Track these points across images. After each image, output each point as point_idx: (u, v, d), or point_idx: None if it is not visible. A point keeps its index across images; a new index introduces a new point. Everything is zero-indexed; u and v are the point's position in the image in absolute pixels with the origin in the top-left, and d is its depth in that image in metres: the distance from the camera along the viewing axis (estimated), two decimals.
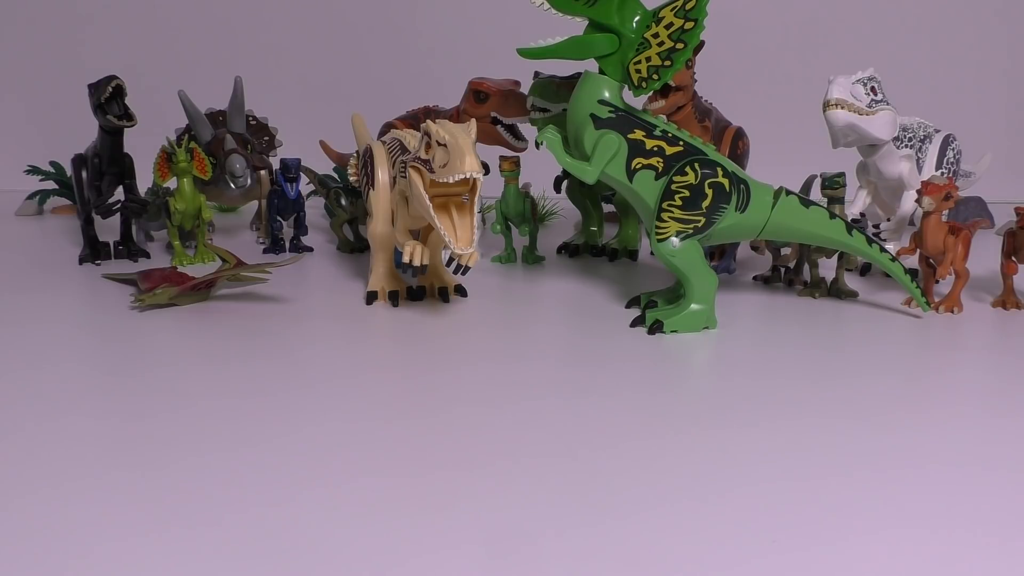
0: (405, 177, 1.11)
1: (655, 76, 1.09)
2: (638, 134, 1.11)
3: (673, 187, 1.10)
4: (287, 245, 1.55)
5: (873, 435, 0.81)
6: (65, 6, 2.24)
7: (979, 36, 2.18)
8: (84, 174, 1.45)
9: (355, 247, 1.53)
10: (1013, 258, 1.21)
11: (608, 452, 0.78)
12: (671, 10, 1.09)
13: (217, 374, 0.96)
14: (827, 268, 1.30)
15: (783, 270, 1.33)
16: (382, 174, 1.22)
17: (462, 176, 1.01)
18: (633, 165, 1.11)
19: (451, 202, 1.07)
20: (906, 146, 1.38)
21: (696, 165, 1.10)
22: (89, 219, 1.46)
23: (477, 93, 1.45)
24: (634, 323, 1.13)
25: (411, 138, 1.17)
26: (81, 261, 1.45)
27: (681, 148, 1.10)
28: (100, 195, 1.46)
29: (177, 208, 1.42)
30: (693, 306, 1.11)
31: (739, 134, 1.39)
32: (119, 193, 1.48)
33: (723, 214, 1.11)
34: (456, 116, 1.47)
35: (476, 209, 1.08)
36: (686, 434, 0.82)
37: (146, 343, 1.08)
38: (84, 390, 0.94)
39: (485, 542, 0.64)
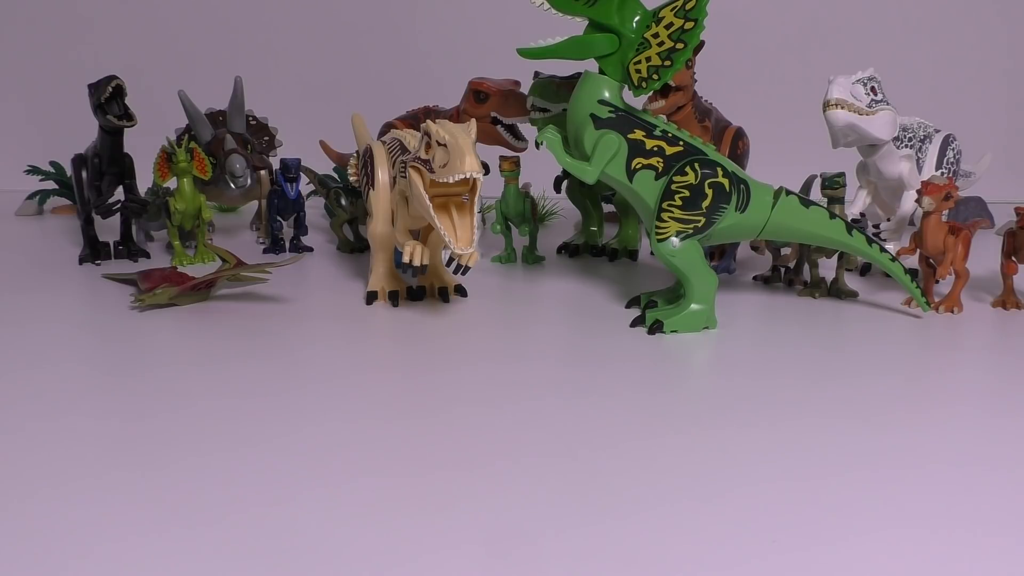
0: (405, 177, 1.11)
1: (655, 76, 1.09)
2: (638, 134, 1.11)
3: (673, 187, 1.10)
4: (287, 245, 1.55)
5: (873, 435, 0.81)
6: (65, 6, 2.24)
7: (979, 36, 2.18)
8: (84, 174, 1.45)
9: (355, 247, 1.53)
10: (1013, 258, 1.21)
11: (608, 452, 0.78)
12: (671, 10, 1.09)
13: (217, 374, 0.96)
14: (827, 268, 1.30)
15: (783, 270, 1.33)
16: (382, 174, 1.22)
17: (462, 176, 1.01)
18: (633, 165, 1.11)
19: (451, 202, 1.07)
20: (906, 146, 1.38)
21: (696, 165, 1.10)
22: (89, 219, 1.46)
23: (477, 93, 1.45)
24: (634, 323, 1.13)
25: (411, 138, 1.17)
26: (81, 261, 1.45)
27: (681, 148, 1.10)
28: (100, 195, 1.46)
29: (177, 208, 1.42)
30: (693, 306, 1.11)
31: (739, 134, 1.39)
32: (119, 193, 1.48)
33: (723, 214, 1.11)
34: (456, 116, 1.47)
35: (476, 209, 1.08)
36: (686, 434, 0.82)
37: (146, 343, 1.08)
38: (84, 390, 0.94)
39: (485, 542, 0.64)
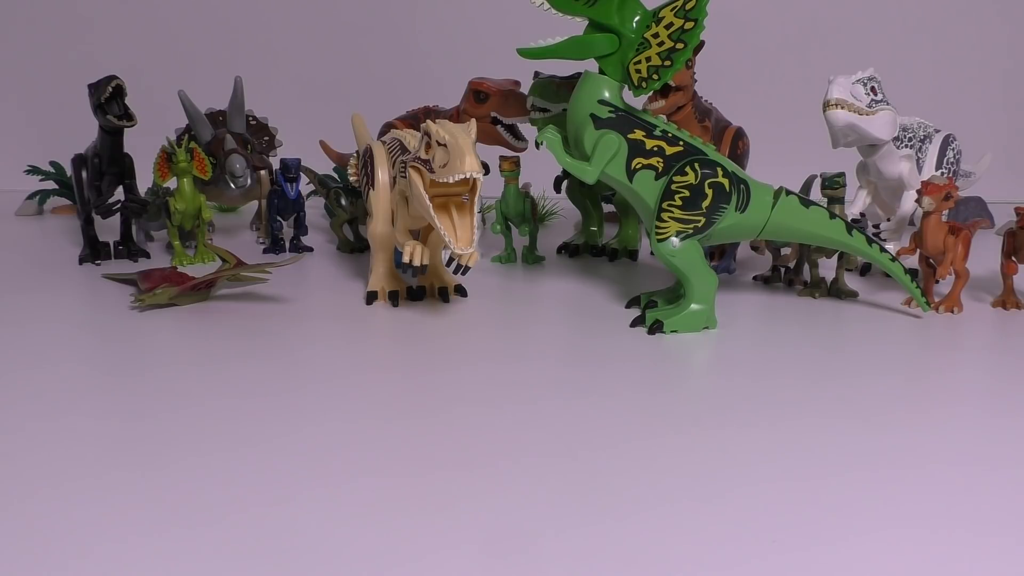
0: (405, 177, 1.11)
1: (655, 76, 1.09)
2: (638, 134, 1.11)
3: (673, 187, 1.10)
4: (287, 245, 1.55)
5: (873, 435, 0.81)
6: (65, 6, 2.24)
7: (979, 36, 2.18)
8: (84, 174, 1.45)
9: (355, 247, 1.53)
10: (1013, 258, 1.21)
11: (608, 452, 0.78)
12: (671, 10, 1.09)
13: (217, 374, 0.96)
14: (827, 268, 1.30)
15: (783, 270, 1.33)
16: (382, 174, 1.22)
17: (462, 176, 1.01)
18: (633, 165, 1.11)
19: (451, 202, 1.07)
20: (906, 146, 1.38)
21: (696, 165, 1.10)
22: (89, 219, 1.46)
23: (477, 93, 1.45)
24: (634, 323, 1.13)
25: (411, 138, 1.17)
26: (81, 261, 1.45)
27: (681, 148, 1.10)
28: (100, 195, 1.46)
29: (177, 208, 1.42)
30: (693, 306, 1.11)
31: (739, 134, 1.39)
32: (119, 193, 1.48)
33: (723, 214, 1.11)
34: (456, 116, 1.47)
35: (476, 209, 1.08)
36: (686, 434, 0.82)
37: (146, 343, 1.08)
38: (84, 390, 0.94)
39: (485, 542, 0.64)
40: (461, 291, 1.25)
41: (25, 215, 1.90)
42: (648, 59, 1.09)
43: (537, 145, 1.19)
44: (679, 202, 1.10)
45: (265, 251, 1.54)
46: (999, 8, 2.17)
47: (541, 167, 1.47)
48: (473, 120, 1.11)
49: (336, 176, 1.78)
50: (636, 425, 0.84)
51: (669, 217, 1.10)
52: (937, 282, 1.25)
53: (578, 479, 0.73)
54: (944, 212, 1.19)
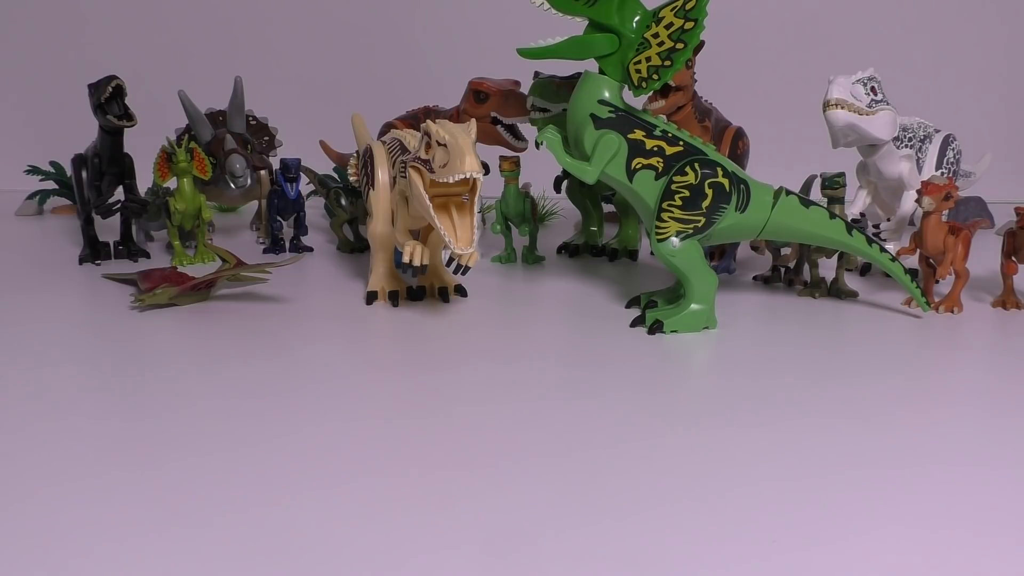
0: (405, 177, 1.11)
1: (655, 76, 1.09)
2: (638, 134, 1.11)
3: (673, 187, 1.10)
4: (287, 245, 1.55)
5: (873, 435, 0.81)
6: (65, 6, 2.24)
7: (979, 36, 2.18)
8: (84, 174, 1.45)
9: (355, 247, 1.53)
10: (1013, 258, 1.21)
11: (608, 452, 0.78)
12: (671, 10, 1.09)
13: (217, 374, 0.96)
14: (827, 268, 1.30)
15: (783, 270, 1.33)
16: (382, 174, 1.22)
17: (462, 176, 1.01)
18: (633, 165, 1.11)
19: (451, 202, 1.07)
20: (906, 146, 1.38)
21: (696, 165, 1.10)
22: (89, 219, 1.46)
23: (477, 93, 1.45)
24: (634, 323, 1.13)
25: (411, 138, 1.17)
26: (81, 261, 1.45)
27: (681, 148, 1.10)
28: (100, 195, 1.46)
29: (177, 208, 1.42)
30: (693, 306, 1.11)
31: (739, 134, 1.39)
32: (119, 193, 1.48)
33: (723, 214, 1.11)
34: (456, 116, 1.47)
35: (476, 209, 1.08)
36: (686, 434, 0.82)
37: (146, 343, 1.08)
38: (84, 390, 0.94)
39: (485, 542, 0.64)
40: (461, 291, 1.25)
41: (25, 215, 1.90)
42: (648, 59, 1.09)
43: (537, 145, 1.19)
44: (679, 202, 1.10)
45: (265, 251, 1.54)
46: (999, 8, 2.17)
47: (541, 167, 1.47)
48: (473, 120, 1.11)
49: (336, 176, 1.78)
50: (636, 425, 0.84)
51: (669, 217, 1.10)
52: (937, 282, 1.25)
53: (578, 479, 0.73)
54: (944, 212, 1.19)
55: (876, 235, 1.41)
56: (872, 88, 1.28)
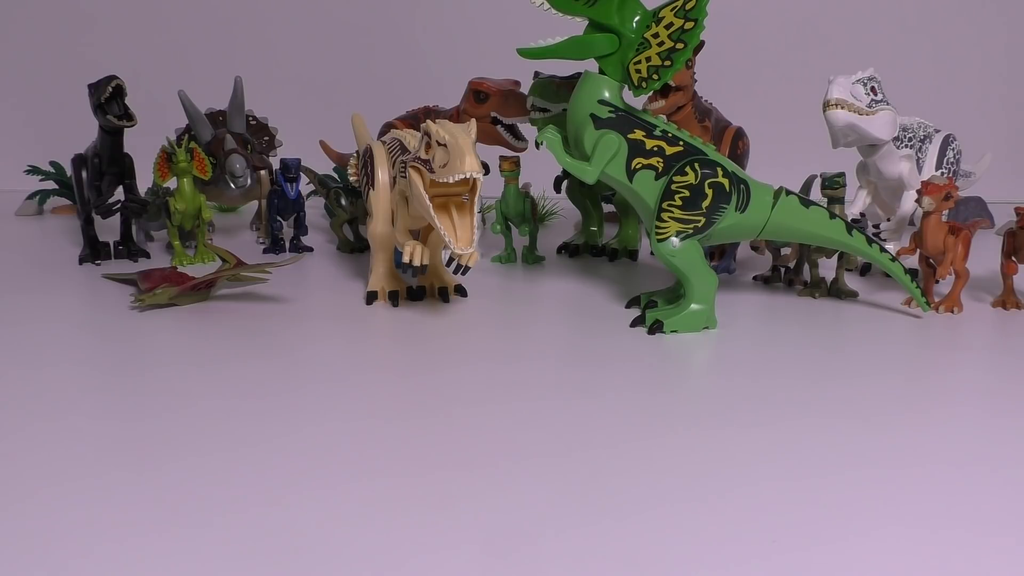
0: (405, 177, 1.11)
1: (655, 76, 1.09)
2: (638, 134, 1.11)
3: (673, 187, 1.10)
4: (287, 245, 1.55)
5: (873, 435, 0.81)
6: (65, 7, 2.24)
7: (979, 36, 2.18)
8: (84, 174, 1.45)
9: (355, 247, 1.53)
10: (1013, 258, 1.21)
11: (608, 452, 0.78)
12: (671, 10, 1.09)
13: (217, 374, 0.96)
14: (827, 268, 1.30)
15: (783, 270, 1.33)
16: (382, 174, 1.22)
17: (462, 176, 1.01)
18: (633, 165, 1.11)
19: (451, 202, 1.07)
20: (906, 146, 1.38)
21: (696, 165, 1.10)
22: (89, 219, 1.46)
23: (477, 93, 1.45)
24: (634, 323, 1.13)
25: (411, 138, 1.17)
26: (81, 261, 1.45)
27: (681, 148, 1.10)
28: (100, 195, 1.46)
29: (177, 208, 1.42)
30: (693, 306, 1.11)
31: (739, 134, 1.39)
32: (119, 193, 1.48)
33: (723, 214, 1.11)
34: (456, 116, 1.47)
35: (476, 209, 1.08)
36: (686, 434, 0.82)
37: (146, 343, 1.08)
38: (84, 390, 0.94)
39: (485, 542, 0.64)
40: (461, 291, 1.25)
41: (25, 215, 1.90)
42: (648, 59, 1.09)
43: (537, 145, 1.19)
44: (679, 202, 1.10)
45: (265, 251, 1.54)
46: (999, 8, 2.17)
47: (541, 167, 1.47)
48: (473, 120, 1.11)
49: (336, 176, 1.78)
50: (636, 425, 0.84)
51: (669, 217, 1.10)
52: (937, 282, 1.25)
53: (578, 479, 0.73)
54: (944, 212, 1.19)
55: (876, 235, 1.41)
56: (872, 88, 1.28)
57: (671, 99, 1.26)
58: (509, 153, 1.47)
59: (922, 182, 1.17)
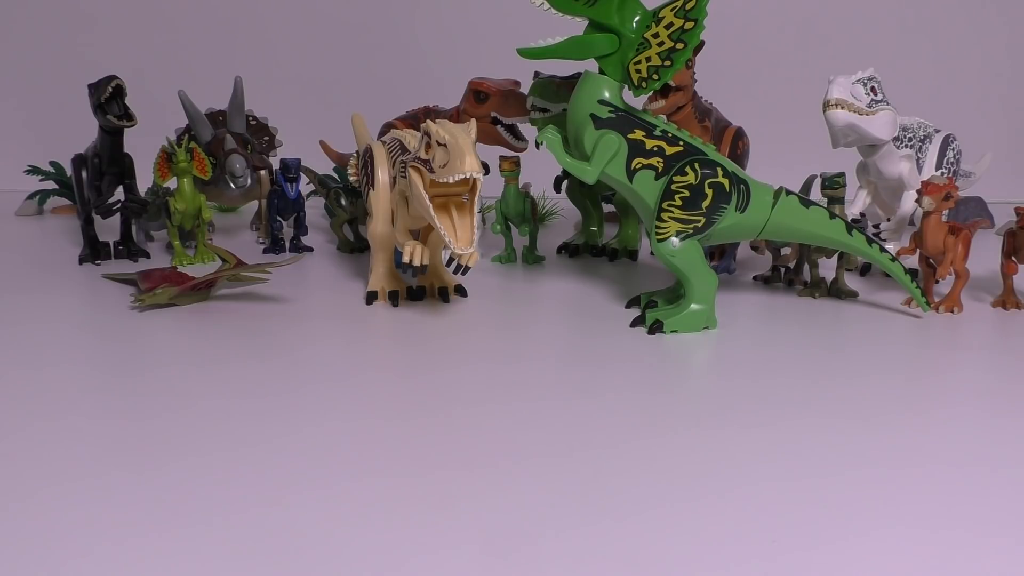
0: (405, 177, 1.11)
1: (655, 76, 1.09)
2: (638, 134, 1.11)
3: (673, 187, 1.10)
4: (287, 245, 1.55)
5: (873, 435, 0.81)
6: (65, 7, 2.24)
7: (979, 36, 2.18)
8: (84, 174, 1.45)
9: (355, 247, 1.53)
10: (1013, 258, 1.21)
11: (608, 452, 0.78)
12: (671, 10, 1.09)
13: (217, 374, 0.96)
14: (827, 268, 1.30)
15: (783, 270, 1.33)
16: (382, 174, 1.22)
17: (462, 176, 1.01)
18: (633, 165, 1.11)
19: (451, 202, 1.07)
20: (906, 146, 1.38)
21: (696, 165, 1.10)
22: (89, 219, 1.46)
23: (477, 93, 1.45)
24: (634, 323, 1.13)
25: (411, 138, 1.17)
26: (81, 261, 1.45)
27: (681, 148, 1.10)
28: (100, 195, 1.46)
29: (177, 208, 1.42)
30: (693, 306, 1.11)
31: (739, 134, 1.39)
32: (119, 193, 1.48)
33: (723, 214, 1.11)
34: (456, 116, 1.47)
35: (476, 209, 1.08)
36: (686, 434, 0.82)
37: (146, 343, 1.08)
38: (84, 390, 0.94)
39: (485, 542, 0.64)
40: (461, 291, 1.25)
41: (25, 215, 1.90)
42: (648, 59, 1.09)
43: (537, 145, 1.19)
44: (679, 202, 1.10)
45: (265, 251, 1.54)
46: (999, 8, 2.17)
47: (541, 167, 1.47)
48: (473, 120, 1.11)
49: (336, 176, 1.78)
50: (636, 425, 0.84)
51: (669, 217, 1.10)
52: (937, 282, 1.25)
53: (578, 479, 0.73)
54: (944, 212, 1.19)
55: (876, 235, 1.41)
56: (872, 88, 1.28)
57: (671, 99, 1.26)
58: (509, 153, 1.47)
59: (922, 182, 1.17)
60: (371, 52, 2.23)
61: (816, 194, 1.25)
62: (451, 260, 1.09)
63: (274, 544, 0.63)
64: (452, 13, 2.21)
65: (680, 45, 1.07)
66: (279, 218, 1.54)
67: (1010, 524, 0.66)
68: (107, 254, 1.47)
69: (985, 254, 1.38)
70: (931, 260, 1.20)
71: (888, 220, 1.44)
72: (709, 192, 1.10)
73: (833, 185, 1.22)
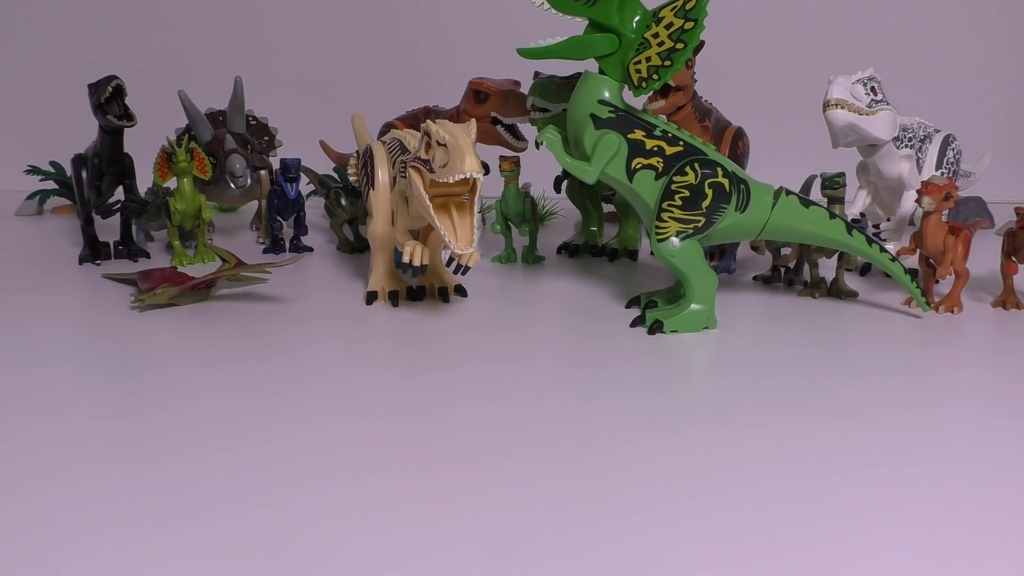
0: (405, 177, 1.11)
1: (655, 76, 1.09)
2: (638, 134, 1.11)
3: (673, 187, 1.10)
4: (287, 245, 1.55)
5: (873, 435, 0.81)
6: (65, 7, 2.24)
7: (979, 36, 2.18)
8: (84, 174, 1.46)
9: (355, 247, 1.53)
10: (1013, 258, 1.21)
11: (608, 452, 0.78)
12: (671, 10, 1.09)
13: (217, 374, 0.96)
14: (827, 268, 1.30)
15: (783, 270, 1.33)
16: (382, 174, 1.22)
17: (462, 176, 1.01)
18: (633, 165, 1.11)
19: (451, 202, 1.07)
20: (906, 146, 1.38)
21: (696, 165, 1.10)
22: (89, 219, 1.46)
23: (477, 93, 1.45)
24: (634, 323, 1.13)
25: (411, 138, 1.17)
26: (81, 261, 1.45)
27: (681, 148, 1.10)
28: (100, 195, 1.46)
29: (177, 208, 1.42)
30: (693, 306, 1.11)
31: (739, 134, 1.39)
32: (119, 193, 1.48)
33: (723, 214, 1.11)
34: (456, 116, 1.47)
35: (476, 209, 1.08)
36: (686, 434, 0.82)
37: (146, 343, 1.08)
38: (84, 390, 0.94)
39: (485, 542, 0.64)
40: (461, 291, 1.25)
41: (25, 215, 1.90)
42: (648, 59, 1.09)
43: (537, 145, 1.19)
44: (679, 202, 1.10)
45: (265, 251, 1.54)
46: (999, 8, 2.17)
47: (541, 167, 1.47)
48: (473, 120, 1.11)
49: (336, 176, 1.78)
50: (636, 425, 0.84)
51: (669, 217, 1.10)
52: (937, 282, 1.25)
53: (578, 479, 0.73)
54: (944, 212, 1.19)
55: (876, 235, 1.41)
56: (872, 88, 1.28)
57: (671, 99, 1.26)
58: (509, 153, 1.47)
59: (922, 182, 1.17)
60: (371, 52, 2.23)
61: (816, 194, 1.25)
62: (451, 260, 1.09)
63: (274, 544, 0.63)
64: (452, 13, 2.21)
65: (680, 45, 1.07)
66: (279, 218, 1.54)
67: (1010, 524, 0.66)
68: (107, 254, 1.47)
69: (985, 254, 1.38)
70: (931, 260, 1.20)
71: (888, 220, 1.44)
72: (709, 192, 1.10)
73: (833, 185, 1.22)
